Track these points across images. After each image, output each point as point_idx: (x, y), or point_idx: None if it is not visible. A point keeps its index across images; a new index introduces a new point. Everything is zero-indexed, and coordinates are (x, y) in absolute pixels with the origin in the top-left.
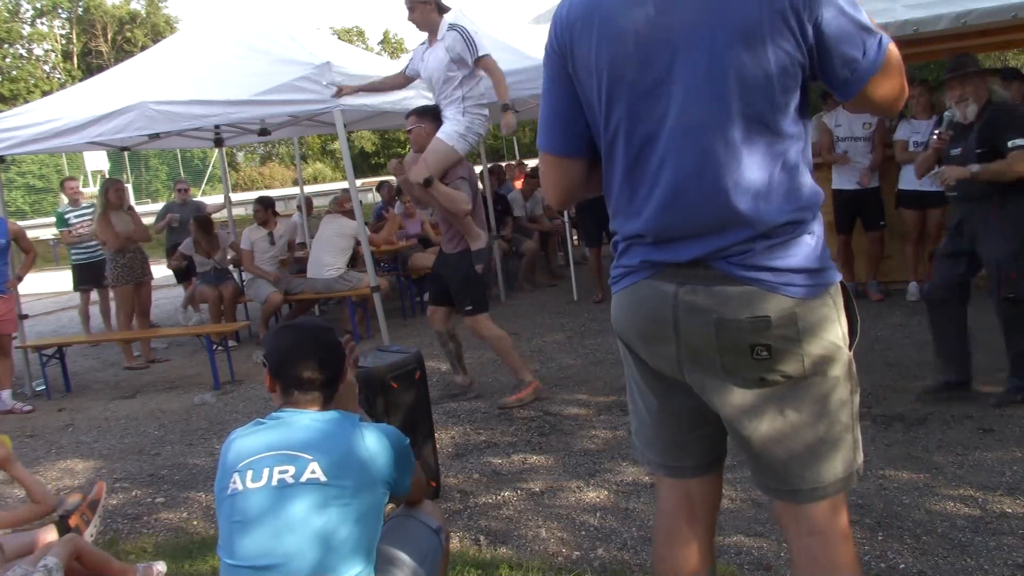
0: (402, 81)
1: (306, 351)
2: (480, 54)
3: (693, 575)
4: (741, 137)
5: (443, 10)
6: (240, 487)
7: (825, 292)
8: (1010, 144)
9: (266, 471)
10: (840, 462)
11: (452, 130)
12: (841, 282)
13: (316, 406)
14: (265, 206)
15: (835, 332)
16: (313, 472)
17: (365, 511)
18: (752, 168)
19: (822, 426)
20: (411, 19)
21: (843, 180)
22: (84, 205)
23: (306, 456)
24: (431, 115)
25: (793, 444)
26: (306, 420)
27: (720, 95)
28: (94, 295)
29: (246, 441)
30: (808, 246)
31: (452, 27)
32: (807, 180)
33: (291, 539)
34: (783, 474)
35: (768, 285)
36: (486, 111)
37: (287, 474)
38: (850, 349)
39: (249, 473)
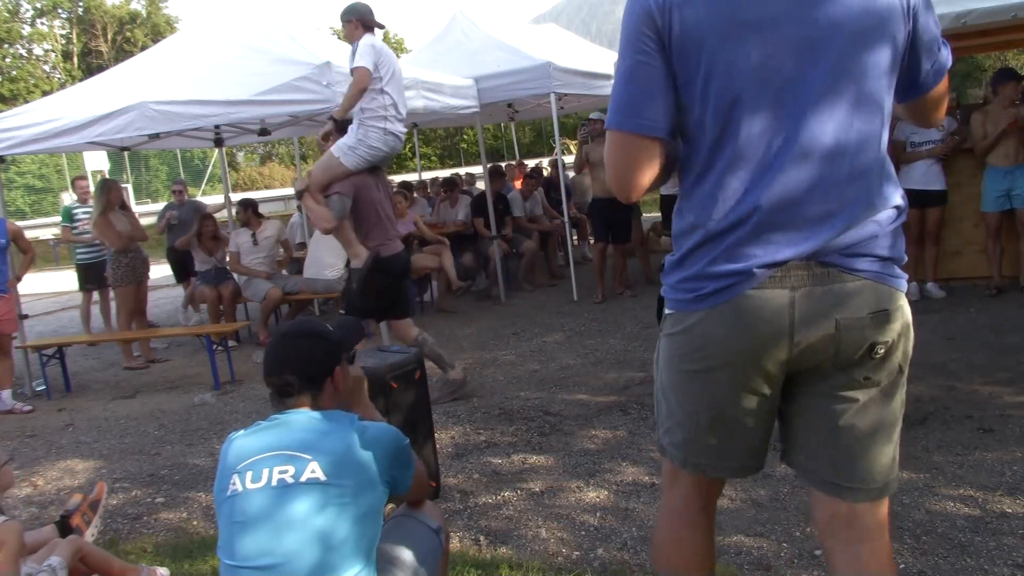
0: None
1: (279, 358)
2: (354, 64)
3: (708, 555)
4: (863, 119)
5: (369, 28)
6: (240, 488)
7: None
8: None
9: (266, 471)
10: (896, 461)
11: (343, 142)
12: None
13: (306, 406)
14: (246, 207)
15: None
16: (313, 472)
17: (365, 510)
18: (871, 150)
19: (897, 425)
20: (343, 37)
21: None
22: (90, 205)
23: (306, 456)
24: (341, 128)
25: (880, 441)
26: (304, 420)
27: (849, 75)
28: (95, 295)
29: (245, 442)
30: (903, 237)
31: (354, 43)
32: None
33: (291, 539)
34: (862, 472)
35: (881, 277)
36: (387, 124)
37: (287, 474)
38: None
39: (249, 474)
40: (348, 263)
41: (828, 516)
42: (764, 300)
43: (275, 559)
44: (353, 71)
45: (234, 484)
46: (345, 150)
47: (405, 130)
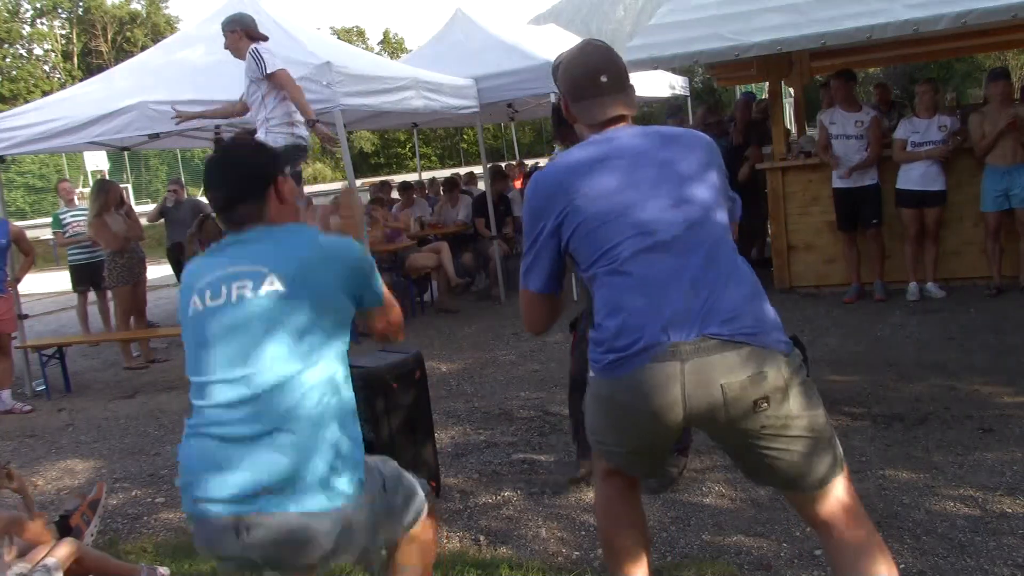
0: (241, 109)
1: (217, 171)
2: (271, 70)
3: (644, 532)
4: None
5: (254, 38)
6: (200, 306)
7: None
8: None
9: (223, 287)
10: (837, 451)
11: None
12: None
13: (257, 223)
14: None
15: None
16: (272, 284)
17: (330, 323)
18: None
19: (826, 434)
20: (226, 47)
21: (840, 177)
22: (80, 206)
23: (262, 269)
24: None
25: (816, 454)
26: (257, 235)
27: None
28: (92, 296)
29: (203, 262)
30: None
31: (250, 51)
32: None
33: (255, 352)
34: (808, 479)
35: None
36: (294, 130)
37: (246, 288)
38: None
39: (208, 292)
40: None
41: (800, 511)
42: (656, 370)
43: (242, 371)
44: (271, 76)
45: (195, 303)
46: None
47: (308, 133)
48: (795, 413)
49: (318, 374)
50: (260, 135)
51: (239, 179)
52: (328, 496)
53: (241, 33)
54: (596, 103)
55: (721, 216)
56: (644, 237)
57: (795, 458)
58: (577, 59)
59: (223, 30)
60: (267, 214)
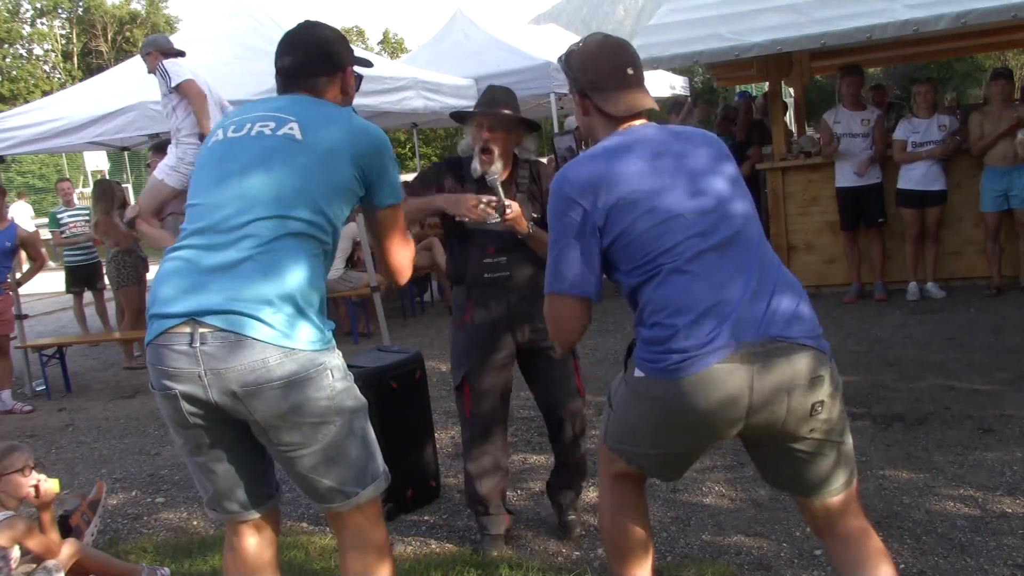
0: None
1: (298, 39)
2: (176, 81)
3: (650, 535)
4: None
5: (169, 55)
6: (222, 137)
7: None
8: None
9: (248, 125)
10: (852, 458)
11: (163, 164)
12: None
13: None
14: None
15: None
16: (291, 129)
17: (332, 182)
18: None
19: (845, 443)
20: (148, 71)
21: (844, 177)
22: (79, 206)
23: (289, 117)
24: (164, 151)
25: (838, 462)
26: (297, 98)
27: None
28: (88, 296)
29: (242, 110)
30: None
31: (157, 67)
32: None
33: (256, 179)
34: (829, 483)
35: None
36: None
37: (267, 127)
38: None
39: (231, 127)
40: (348, 263)
41: (810, 515)
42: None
43: (239, 191)
44: (179, 87)
45: (216, 136)
46: (167, 171)
47: None
48: (835, 418)
49: (301, 216)
50: (171, 147)
51: (316, 53)
52: (283, 334)
53: (156, 54)
54: (624, 95)
55: (756, 217)
56: (704, 237)
57: (827, 464)
58: (602, 51)
59: (141, 56)
60: (324, 96)
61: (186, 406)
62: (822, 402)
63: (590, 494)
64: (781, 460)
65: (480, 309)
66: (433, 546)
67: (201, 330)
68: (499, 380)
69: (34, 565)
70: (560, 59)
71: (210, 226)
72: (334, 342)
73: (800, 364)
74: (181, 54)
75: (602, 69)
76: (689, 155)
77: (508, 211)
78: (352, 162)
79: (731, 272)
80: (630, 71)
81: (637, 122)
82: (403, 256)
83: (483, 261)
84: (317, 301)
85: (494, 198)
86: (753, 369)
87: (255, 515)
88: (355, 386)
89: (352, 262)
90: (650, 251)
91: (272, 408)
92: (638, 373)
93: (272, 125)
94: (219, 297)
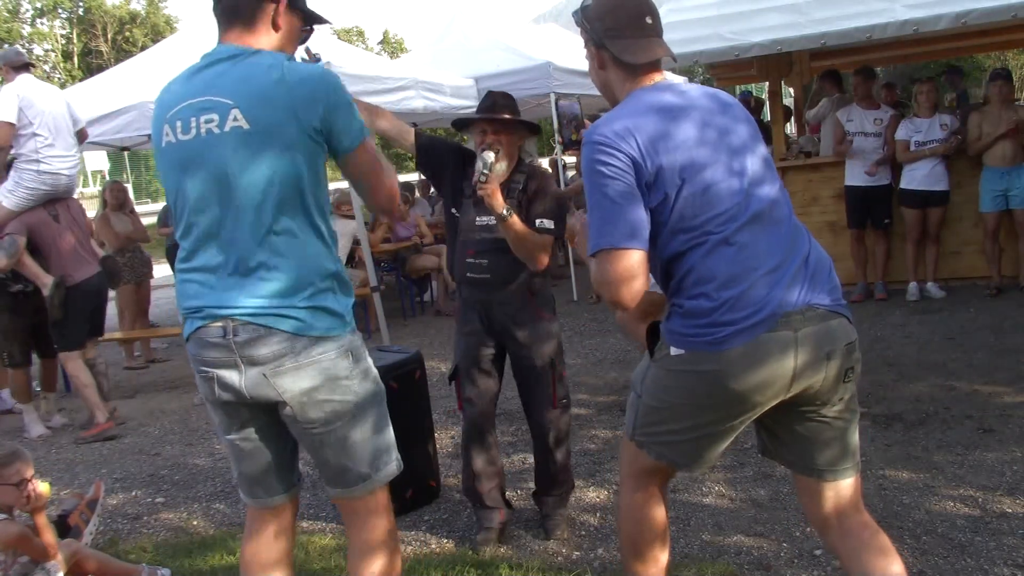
0: None
1: None
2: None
3: (668, 536)
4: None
5: (19, 70)
6: (173, 139)
7: None
8: None
9: (193, 121)
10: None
11: (3, 187)
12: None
13: (242, 37)
14: None
15: None
16: (236, 120)
17: (293, 158)
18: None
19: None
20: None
21: (854, 175)
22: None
23: (227, 102)
24: (7, 169)
25: (850, 432)
26: (229, 59)
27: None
28: None
29: (176, 89)
30: None
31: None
32: None
33: (231, 189)
34: (844, 459)
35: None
36: (40, 166)
37: (212, 124)
38: None
39: (179, 124)
40: (348, 262)
41: (818, 506)
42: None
43: (221, 203)
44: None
45: (167, 135)
46: (6, 193)
47: (73, 162)
48: (853, 390)
49: (281, 217)
50: (12, 173)
51: None
52: (307, 324)
53: (7, 68)
54: (642, 43)
55: (786, 193)
56: (743, 210)
57: (845, 436)
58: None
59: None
60: (255, 42)
61: (220, 391)
62: (853, 368)
63: (589, 494)
64: (803, 433)
65: (467, 308)
66: (433, 546)
67: (233, 324)
68: (484, 377)
69: (33, 565)
70: (575, 13)
71: (212, 240)
72: (354, 323)
73: (838, 331)
74: (33, 65)
75: (620, 16)
76: (732, 131)
77: (484, 183)
78: (302, 128)
79: (770, 244)
80: (649, 20)
81: (657, 75)
82: (387, 188)
83: (466, 261)
84: (332, 282)
85: (479, 163)
86: (797, 337)
87: (278, 501)
88: (375, 369)
89: (352, 262)
90: (698, 217)
91: (299, 386)
92: (675, 351)
93: (216, 119)
94: (245, 305)
